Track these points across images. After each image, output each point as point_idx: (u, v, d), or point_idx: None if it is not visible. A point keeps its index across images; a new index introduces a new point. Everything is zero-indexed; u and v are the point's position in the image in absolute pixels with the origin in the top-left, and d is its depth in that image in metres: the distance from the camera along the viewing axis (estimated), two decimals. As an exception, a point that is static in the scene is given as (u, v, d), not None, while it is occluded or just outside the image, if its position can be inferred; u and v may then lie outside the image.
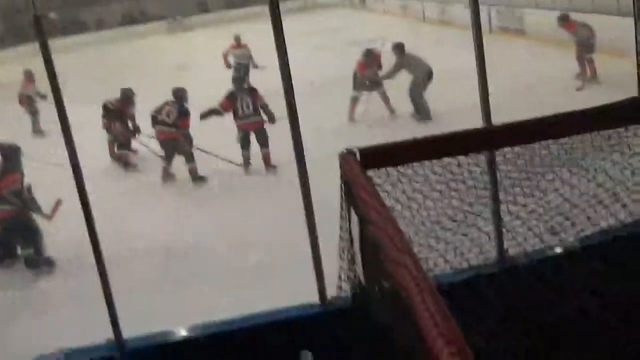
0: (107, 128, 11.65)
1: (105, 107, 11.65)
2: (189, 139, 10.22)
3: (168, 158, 10.20)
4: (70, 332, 5.70)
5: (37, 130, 14.98)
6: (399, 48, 11.87)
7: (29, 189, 7.82)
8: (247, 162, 10.33)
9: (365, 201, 2.03)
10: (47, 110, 14.76)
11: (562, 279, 2.95)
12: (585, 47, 12.32)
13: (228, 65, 16.33)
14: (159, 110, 10.20)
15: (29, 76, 15.98)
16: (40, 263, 7.66)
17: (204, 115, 10.42)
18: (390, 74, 11.98)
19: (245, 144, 10.33)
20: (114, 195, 9.18)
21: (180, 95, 10.35)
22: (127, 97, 11.68)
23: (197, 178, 10.03)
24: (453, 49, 15.22)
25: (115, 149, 11.73)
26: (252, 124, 10.27)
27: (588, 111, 2.69)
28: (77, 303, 6.48)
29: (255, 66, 15.70)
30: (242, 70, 15.06)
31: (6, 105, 15.22)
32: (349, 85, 12.21)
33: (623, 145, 2.69)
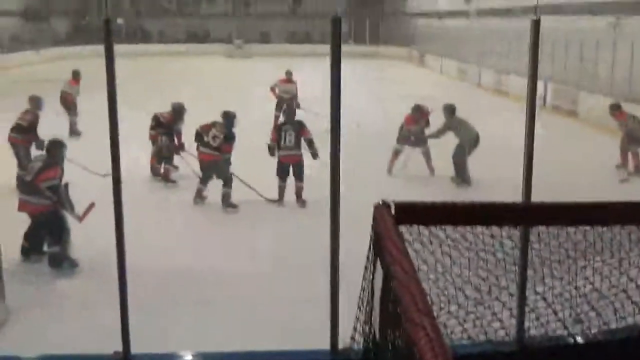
0: (154, 140, 11.66)
1: (155, 119, 11.70)
2: (228, 164, 10.29)
3: (205, 180, 10.25)
4: (77, 337, 5.74)
5: (74, 131, 15.18)
6: (449, 109, 11.87)
7: (66, 186, 7.87)
8: (281, 193, 10.37)
9: (393, 255, 2.02)
10: (86, 112, 15.23)
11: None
12: (633, 139, 12.22)
13: (277, 98, 16.48)
14: (205, 130, 10.21)
15: (75, 76, 16.36)
16: (63, 263, 7.69)
17: (271, 152, 10.50)
18: (437, 134, 11.96)
19: (283, 175, 10.39)
20: (143, 207, 9.19)
21: (230, 119, 10.44)
22: (178, 112, 11.80)
23: (229, 204, 10.05)
24: (504, 119, 15.25)
25: (156, 162, 11.78)
26: (292, 157, 10.34)
27: (630, 204, 2.66)
28: (91, 310, 6.50)
29: (297, 105, 15.80)
30: (285, 104, 15.30)
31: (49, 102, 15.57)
32: (392, 137, 12.21)
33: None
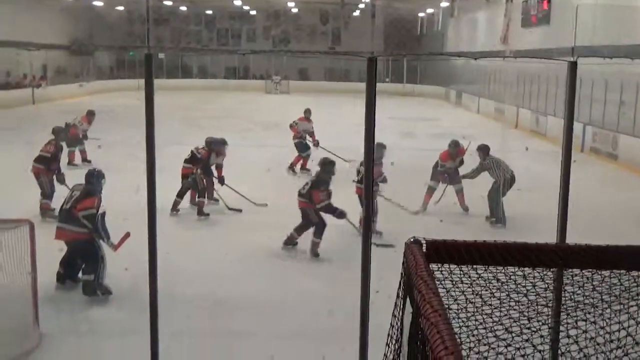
0: (185, 174, 11.66)
1: (192, 153, 11.85)
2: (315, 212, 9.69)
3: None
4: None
5: (70, 162, 15.46)
6: (484, 150, 11.79)
7: (103, 215, 7.96)
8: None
9: (423, 294, 2.01)
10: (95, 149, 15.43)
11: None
12: None
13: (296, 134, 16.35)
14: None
15: (89, 114, 16.89)
16: (97, 291, 7.75)
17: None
18: (472, 174, 11.88)
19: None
20: (171, 237, 9.19)
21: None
22: (218, 147, 12.01)
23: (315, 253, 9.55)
24: (539, 161, 15.16)
25: (195, 196, 11.85)
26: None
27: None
28: (120, 338, 6.53)
29: (317, 143, 15.85)
30: (304, 144, 15.66)
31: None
32: (426, 175, 12.16)
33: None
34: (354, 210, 9.43)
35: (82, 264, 7.93)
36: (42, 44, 37.03)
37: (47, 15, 38.92)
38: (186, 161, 11.75)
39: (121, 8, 45.01)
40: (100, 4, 41.61)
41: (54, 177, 11.21)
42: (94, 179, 8.29)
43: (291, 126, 16.06)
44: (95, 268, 7.75)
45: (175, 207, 11.54)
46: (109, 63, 47.58)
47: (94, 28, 45.34)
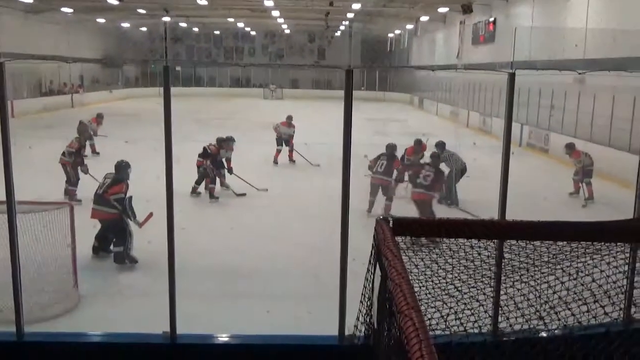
0: (199, 165, 11.75)
1: (204, 149, 11.91)
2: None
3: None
4: (132, 320, 5.76)
5: (94, 151, 15.88)
6: (441, 145, 11.85)
7: (130, 199, 7.95)
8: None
9: (389, 261, 2.02)
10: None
11: (544, 359, 2.85)
12: (586, 173, 12.06)
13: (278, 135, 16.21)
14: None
15: (98, 117, 16.89)
16: (126, 260, 7.74)
17: None
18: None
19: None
20: (188, 215, 9.28)
21: None
22: (227, 143, 12.12)
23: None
24: (486, 154, 15.20)
25: (199, 184, 11.89)
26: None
27: (587, 223, 2.64)
28: (144, 298, 6.53)
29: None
30: (282, 141, 15.72)
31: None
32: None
33: (610, 257, 2.63)
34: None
35: (113, 238, 7.91)
36: (80, 58, 36.67)
37: (84, 34, 38.51)
38: (199, 155, 11.78)
39: (144, 29, 44.62)
40: (127, 25, 41.20)
41: (79, 168, 11.25)
42: (122, 168, 8.27)
43: (274, 128, 16.06)
44: (124, 241, 7.75)
45: (194, 191, 11.69)
46: (134, 74, 47.16)
47: (122, 45, 44.89)
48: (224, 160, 12.15)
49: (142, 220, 7.84)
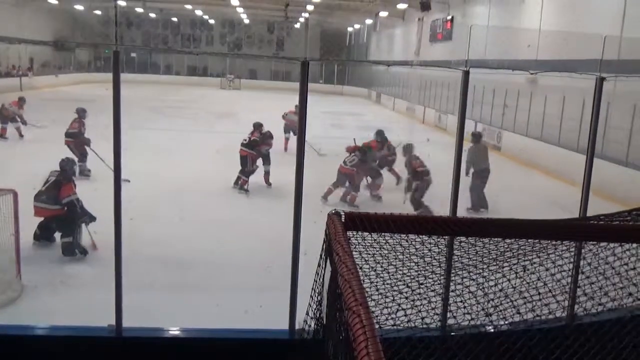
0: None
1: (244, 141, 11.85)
2: None
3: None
4: (76, 311, 5.61)
5: (1, 135, 15.89)
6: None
7: (78, 200, 7.68)
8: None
9: (340, 256, 2.00)
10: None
11: (490, 354, 2.89)
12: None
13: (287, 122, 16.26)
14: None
15: (20, 101, 16.86)
16: (76, 250, 7.49)
17: None
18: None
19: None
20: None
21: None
22: (264, 135, 12.10)
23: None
24: (440, 150, 15.40)
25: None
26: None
27: (534, 222, 2.68)
28: (90, 290, 6.36)
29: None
30: (290, 129, 15.75)
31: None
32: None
33: (555, 255, 2.68)
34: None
35: (57, 228, 7.66)
36: (29, 39, 35.48)
37: (32, 15, 37.24)
38: (243, 145, 11.73)
39: (99, 12, 43.49)
40: (81, 7, 40.03)
41: (85, 146, 11.83)
42: (68, 166, 7.99)
43: (283, 116, 16.02)
44: (72, 231, 7.50)
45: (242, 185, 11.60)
46: (87, 58, 45.95)
47: (74, 28, 43.65)
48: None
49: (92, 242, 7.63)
